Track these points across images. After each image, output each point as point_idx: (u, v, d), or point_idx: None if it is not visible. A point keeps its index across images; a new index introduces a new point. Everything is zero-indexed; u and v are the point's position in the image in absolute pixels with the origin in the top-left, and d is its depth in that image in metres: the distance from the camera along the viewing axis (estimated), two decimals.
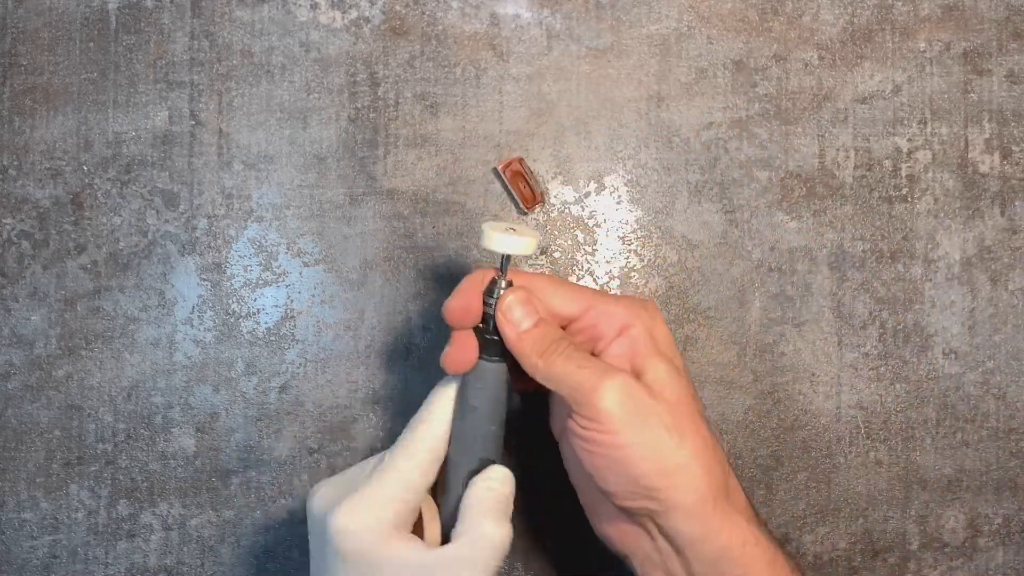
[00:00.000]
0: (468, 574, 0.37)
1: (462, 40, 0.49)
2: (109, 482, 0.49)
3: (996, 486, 0.50)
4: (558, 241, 0.49)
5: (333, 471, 0.49)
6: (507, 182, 0.48)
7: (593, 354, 0.39)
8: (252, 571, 0.49)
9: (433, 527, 0.40)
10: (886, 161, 0.50)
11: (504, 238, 0.37)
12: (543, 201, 0.49)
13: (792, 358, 0.49)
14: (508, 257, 0.38)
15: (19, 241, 0.49)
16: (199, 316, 0.49)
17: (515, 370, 0.39)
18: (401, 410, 0.49)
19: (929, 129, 0.50)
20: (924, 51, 0.50)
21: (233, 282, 0.49)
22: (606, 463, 0.36)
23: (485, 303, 0.38)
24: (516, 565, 0.49)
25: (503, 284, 0.38)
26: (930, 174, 0.50)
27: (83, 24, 0.49)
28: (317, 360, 0.49)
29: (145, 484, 0.49)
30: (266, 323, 0.49)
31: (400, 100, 0.49)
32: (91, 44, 0.49)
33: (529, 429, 0.47)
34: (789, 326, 0.49)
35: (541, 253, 0.49)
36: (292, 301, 0.49)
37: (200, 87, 0.49)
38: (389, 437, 0.49)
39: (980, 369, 0.50)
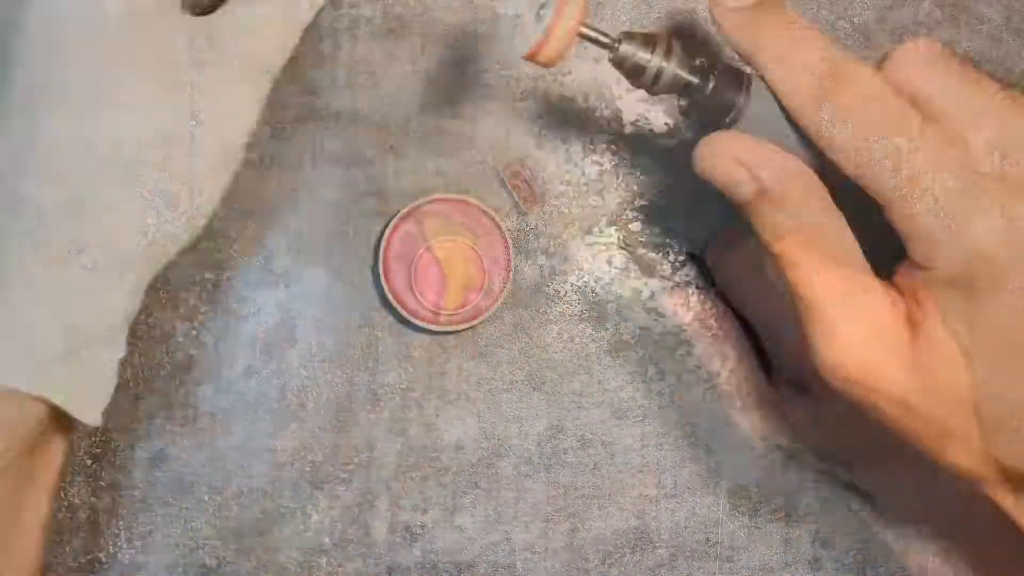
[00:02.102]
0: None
1: (462, 40, 0.49)
2: None
3: None
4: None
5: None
6: (507, 182, 0.48)
7: None
8: None
9: None
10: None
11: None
12: (543, 202, 0.49)
13: None
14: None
15: None
16: (199, 316, 0.49)
17: None
18: (401, 411, 0.49)
19: None
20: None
21: (233, 282, 0.49)
22: None
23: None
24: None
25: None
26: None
27: None
28: (317, 360, 0.49)
29: None
30: (266, 323, 0.49)
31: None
32: None
33: None
34: None
35: (542, 253, 0.49)
36: (292, 301, 0.49)
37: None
38: (389, 436, 0.49)
39: None
